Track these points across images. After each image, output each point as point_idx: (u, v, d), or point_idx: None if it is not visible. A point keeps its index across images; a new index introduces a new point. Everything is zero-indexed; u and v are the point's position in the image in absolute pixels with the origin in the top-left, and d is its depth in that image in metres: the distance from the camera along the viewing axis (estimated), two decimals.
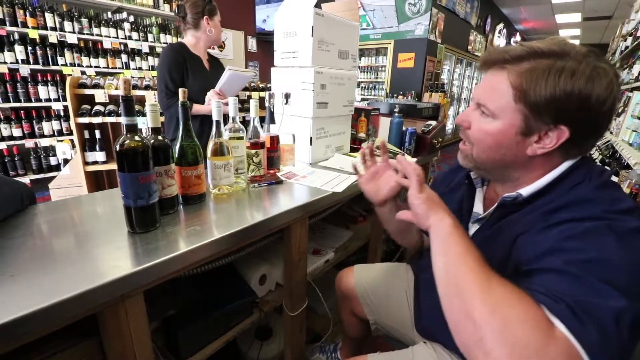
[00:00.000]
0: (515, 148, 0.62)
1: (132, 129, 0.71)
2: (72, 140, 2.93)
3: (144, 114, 2.30)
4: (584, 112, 0.56)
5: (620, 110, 2.76)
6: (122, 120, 0.70)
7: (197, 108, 1.75)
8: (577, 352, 0.42)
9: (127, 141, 0.69)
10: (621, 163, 2.34)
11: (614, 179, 2.09)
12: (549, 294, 0.46)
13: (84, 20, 3.17)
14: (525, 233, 0.59)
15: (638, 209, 0.53)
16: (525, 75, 0.57)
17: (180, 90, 0.87)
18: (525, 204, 0.64)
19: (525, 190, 0.63)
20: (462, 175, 0.83)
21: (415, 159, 1.61)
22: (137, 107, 2.17)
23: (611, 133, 2.85)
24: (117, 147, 0.69)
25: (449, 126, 7.41)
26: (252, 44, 5.92)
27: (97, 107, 2.42)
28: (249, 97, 3.08)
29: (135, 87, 2.54)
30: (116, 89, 2.47)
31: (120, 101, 0.69)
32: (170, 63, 1.72)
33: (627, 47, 3.56)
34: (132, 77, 3.32)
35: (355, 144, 1.73)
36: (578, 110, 0.56)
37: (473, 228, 0.76)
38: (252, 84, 3.32)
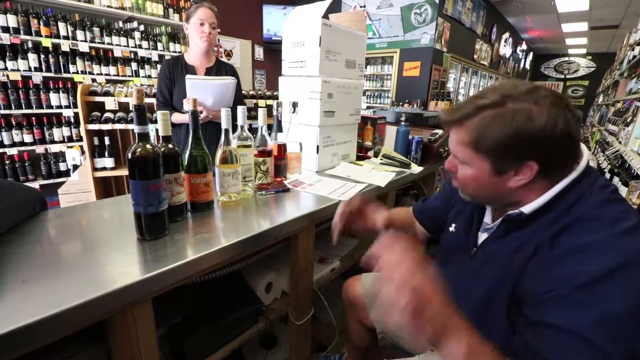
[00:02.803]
0: (497, 185, 0.65)
1: (144, 137, 0.72)
2: (81, 147, 2.98)
3: (151, 121, 2.33)
4: (538, 145, 0.58)
5: (629, 120, 2.73)
6: (135, 128, 0.71)
7: (174, 117, 1.82)
8: None
9: (139, 149, 0.70)
10: (630, 173, 2.31)
11: (624, 189, 2.07)
12: None
13: (96, 29, 3.24)
14: (535, 257, 0.61)
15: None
16: (475, 128, 0.62)
17: (191, 100, 0.89)
18: (530, 221, 0.65)
19: (527, 208, 0.65)
20: None
21: (421, 168, 1.61)
22: None
23: (620, 142, 2.82)
24: (129, 155, 0.70)
25: None
26: (259, 52, 6.00)
27: (106, 114, 2.46)
28: (256, 104, 3.11)
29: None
30: (126, 96, 2.51)
31: (133, 110, 0.71)
32: (160, 76, 1.87)
33: (634, 57, 3.54)
34: (142, 85, 3.38)
35: (362, 152, 1.74)
36: (531, 146, 0.58)
37: (482, 237, 0.78)
38: (258, 92, 3.36)
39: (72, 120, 3.13)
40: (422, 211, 1.07)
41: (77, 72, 3.16)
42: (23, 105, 2.88)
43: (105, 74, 3.35)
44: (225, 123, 0.98)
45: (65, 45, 3.04)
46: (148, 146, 0.71)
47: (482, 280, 0.70)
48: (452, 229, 0.89)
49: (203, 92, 1.69)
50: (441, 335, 0.51)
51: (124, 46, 3.44)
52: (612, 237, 0.54)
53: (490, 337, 0.58)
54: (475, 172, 0.66)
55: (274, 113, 1.30)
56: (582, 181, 0.62)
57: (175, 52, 3.86)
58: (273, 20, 5.85)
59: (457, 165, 0.71)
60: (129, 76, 3.52)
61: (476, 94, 0.66)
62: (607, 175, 2.58)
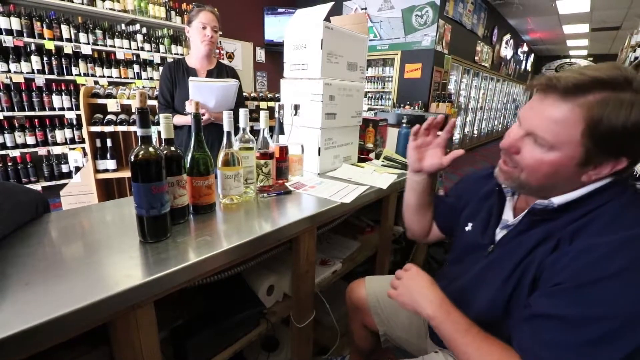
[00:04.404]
0: (570, 175, 0.60)
1: (147, 140, 0.72)
2: (83, 149, 2.99)
3: (154, 123, 2.33)
4: None
5: None
6: (138, 131, 0.72)
7: (176, 119, 1.82)
8: None
9: (142, 152, 0.71)
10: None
11: None
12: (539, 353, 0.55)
13: (99, 32, 3.25)
14: (556, 250, 0.61)
15: None
16: (594, 109, 0.54)
17: (193, 102, 0.89)
18: (558, 213, 0.63)
19: (558, 199, 0.62)
20: (492, 184, 0.84)
21: None
22: None
23: None
24: (132, 158, 0.70)
25: (456, 136, 7.39)
26: (261, 54, 6.02)
27: (109, 116, 2.47)
28: (258, 106, 3.11)
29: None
30: (128, 98, 2.51)
31: (136, 113, 0.71)
32: (161, 79, 1.89)
33: (636, 58, 3.53)
34: (144, 87, 3.39)
35: (363, 154, 1.74)
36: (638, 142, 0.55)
37: (500, 234, 0.77)
38: (260, 94, 3.36)
39: (75, 122, 3.14)
40: (435, 206, 1.05)
41: (79, 75, 3.17)
42: (26, 107, 2.89)
43: (108, 77, 3.37)
44: (227, 125, 0.99)
45: (68, 48, 3.05)
46: (151, 149, 0.72)
47: (504, 273, 0.68)
48: (468, 228, 0.87)
49: (206, 94, 1.70)
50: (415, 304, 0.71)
51: (126, 49, 3.46)
52: (625, 241, 0.53)
53: (511, 327, 0.64)
54: (558, 158, 0.58)
55: (276, 115, 1.30)
56: (620, 182, 0.60)
57: (177, 54, 3.87)
58: (274, 27, 5.87)
59: (520, 146, 0.63)
60: (131, 78, 3.54)
61: (585, 65, 0.60)
62: None
